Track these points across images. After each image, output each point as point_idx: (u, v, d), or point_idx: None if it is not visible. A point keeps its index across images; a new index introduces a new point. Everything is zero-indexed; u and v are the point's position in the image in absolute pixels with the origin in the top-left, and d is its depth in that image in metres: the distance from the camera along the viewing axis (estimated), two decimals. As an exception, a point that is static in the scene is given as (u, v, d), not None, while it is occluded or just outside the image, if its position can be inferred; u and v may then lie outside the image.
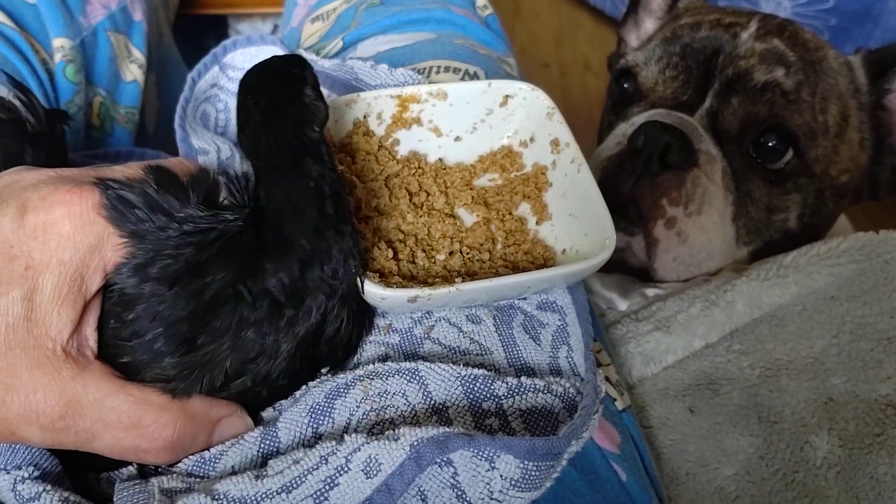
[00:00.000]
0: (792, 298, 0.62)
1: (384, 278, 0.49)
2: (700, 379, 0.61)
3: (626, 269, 0.74)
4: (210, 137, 0.61)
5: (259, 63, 0.47)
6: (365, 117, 0.56)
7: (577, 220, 0.53)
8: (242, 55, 0.66)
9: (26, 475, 0.42)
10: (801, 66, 0.71)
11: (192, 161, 0.47)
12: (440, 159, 0.58)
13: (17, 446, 0.43)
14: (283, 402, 0.48)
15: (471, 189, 0.56)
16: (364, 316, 0.48)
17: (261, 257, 0.43)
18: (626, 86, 0.79)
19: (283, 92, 0.45)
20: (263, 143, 0.44)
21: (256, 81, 0.46)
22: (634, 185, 0.69)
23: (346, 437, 0.40)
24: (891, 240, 0.62)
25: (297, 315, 0.44)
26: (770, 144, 0.70)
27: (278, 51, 0.64)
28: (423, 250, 0.52)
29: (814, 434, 0.56)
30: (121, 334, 0.42)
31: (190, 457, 0.45)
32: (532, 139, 0.58)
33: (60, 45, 0.73)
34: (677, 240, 0.68)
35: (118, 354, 0.42)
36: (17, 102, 0.55)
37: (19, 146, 0.53)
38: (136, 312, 0.42)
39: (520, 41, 1.93)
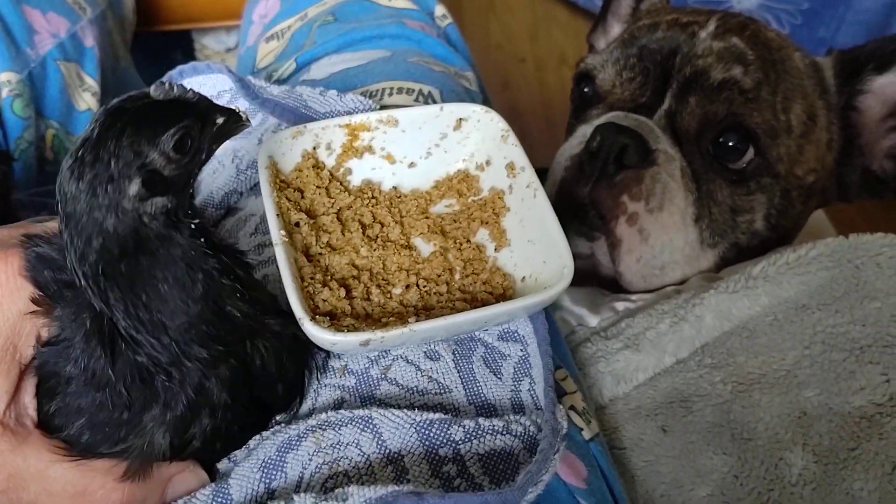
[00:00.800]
0: (762, 309, 0.60)
1: (336, 320, 0.47)
2: (672, 396, 0.59)
3: (597, 279, 0.73)
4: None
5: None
6: (314, 148, 0.55)
7: (536, 247, 0.51)
8: (190, 83, 0.63)
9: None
10: (760, 64, 0.69)
11: None
12: (395, 187, 0.57)
13: None
14: (237, 452, 0.46)
15: (427, 217, 0.55)
16: (301, 349, 0.46)
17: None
18: (585, 90, 0.78)
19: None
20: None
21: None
22: (593, 188, 0.68)
23: (296, 498, 0.39)
24: (861, 244, 0.61)
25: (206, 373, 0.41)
26: (730, 144, 0.69)
27: (227, 79, 0.62)
28: (378, 285, 0.51)
29: (788, 450, 0.55)
30: (51, 417, 0.41)
31: (141, 518, 0.43)
32: (488, 162, 0.56)
33: (6, 80, 0.71)
34: (639, 237, 0.67)
35: (58, 427, 0.41)
36: None
37: None
38: (64, 393, 0.40)
39: (494, 37, 1.91)
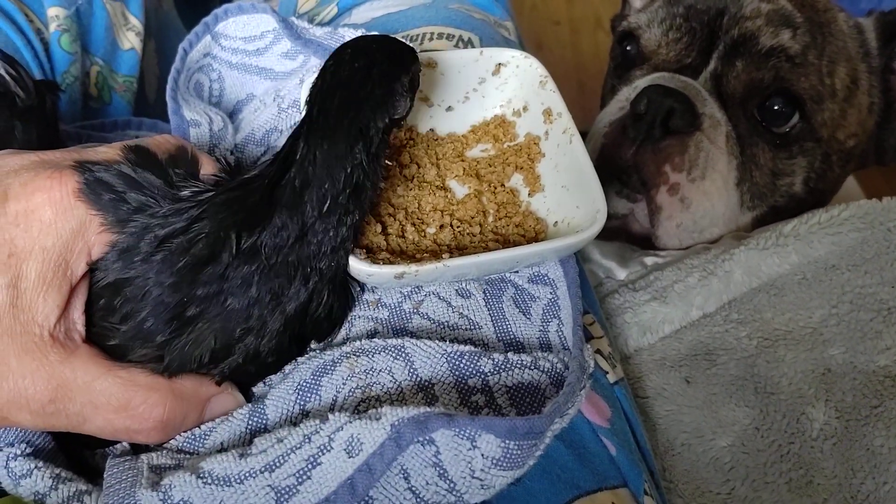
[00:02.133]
0: (791, 268, 0.61)
1: (372, 254, 0.48)
2: (697, 349, 0.60)
3: (628, 236, 0.73)
4: (203, 108, 0.61)
5: (379, 36, 0.47)
6: (355, 88, 0.55)
7: (570, 192, 0.52)
8: (235, 24, 0.65)
9: (18, 452, 0.42)
10: (808, 27, 0.69)
11: (173, 137, 0.47)
12: (431, 130, 0.57)
13: None
14: (272, 377, 0.48)
15: (462, 160, 0.56)
16: (346, 291, 0.48)
17: (271, 208, 0.43)
18: (628, 48, 0.78)
19: (381, 71, 0.44)
20: (333, 104, 0.43)
21: (367, 48, 0.45)
22: (637, 152, 0.68)
23: (330, 416, 0.40)
24: (893, 208, 0.61)
25: (285, 292, 0.43)
26: (776, 108, 0.69)
27: (270, 19, 0.63)
28: (413, 224, 0.51)
29: (810, 405, 0.56)
30: (109, 318, 0.42)
31: (181, 433, 0.45)
32: (525, 108, 0.57)
33: (55, 15, 0.72)
34: (681, 206, 0.67)
35: (106, 337, 0.43)
36: (5, 76, 0.55)
37: (8, 122, 0.53)
38: (124, 296, 0.42)
39: (530, -2, 1.90)
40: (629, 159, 0.68)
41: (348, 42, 0.46)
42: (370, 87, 0.44)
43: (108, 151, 0.43)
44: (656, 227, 0.69)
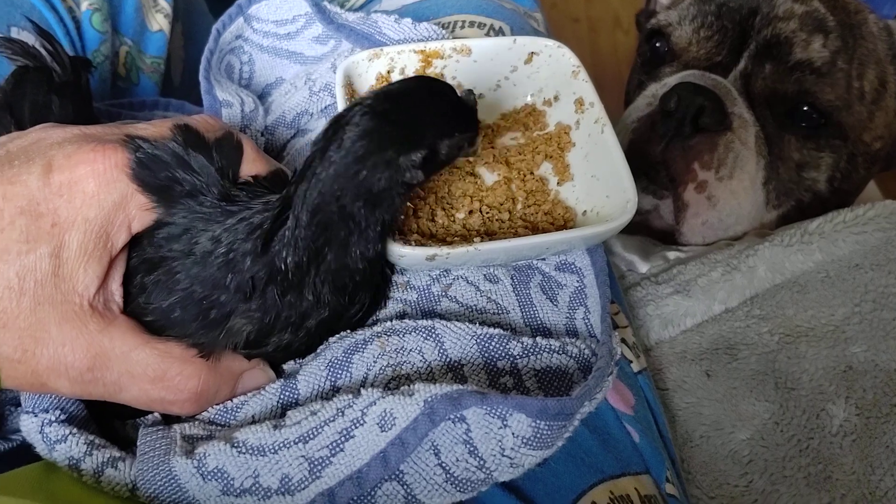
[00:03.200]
0: (815, 265, 0.61)
1: (402, 236, 0.49)
2: (718, 343, 0.60)
3: (649, 231, 0.74)
4: (234, 90, 0.61)
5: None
6: (388, 72, 0.56)
7: (600, 182, 0.52)
8: (267, 7, 0.65)
9: (53, 418, 0.43)
10: (840, 31, 0.69)
11: (215, 119, 0.47)
12: (463, 117, 0.58)
13: None
14: (303, 355, 0.48)
15: (492, 147, 0.56)
16: (382, 287, 0.48)
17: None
18: (657, 45, 0.78)
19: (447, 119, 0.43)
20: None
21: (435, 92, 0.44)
22: (665, 148, 0.68)
23: (363, 391, 0.41)
24: (919, 208, 0.61)
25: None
26: (804, 110, 0.69)
27: (303, 3, 0.63)
28: (443, 208, 0.52)
29: (831, 402, 0.56)
30: (141, 295, 0.43)
31: (213, 406, 0.46)
32: (556, 98, 0.57)
33: (87, -7, 0.73)
34: (707, 204, 0.68)
35: (142, 313, 0.43)
36: (42, 51, 0.55)
37: (46, 96, 0.53)
38: (158, 277, 0.42)
39: (550, -6, 1.90)
40: (658, 155, 0.68)
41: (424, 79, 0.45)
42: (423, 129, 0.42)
43: (155, 128, 0.44)
44: (681, 223, 0.69)
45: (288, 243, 0.41)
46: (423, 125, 0.42)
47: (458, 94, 0.44)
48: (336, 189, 0.40)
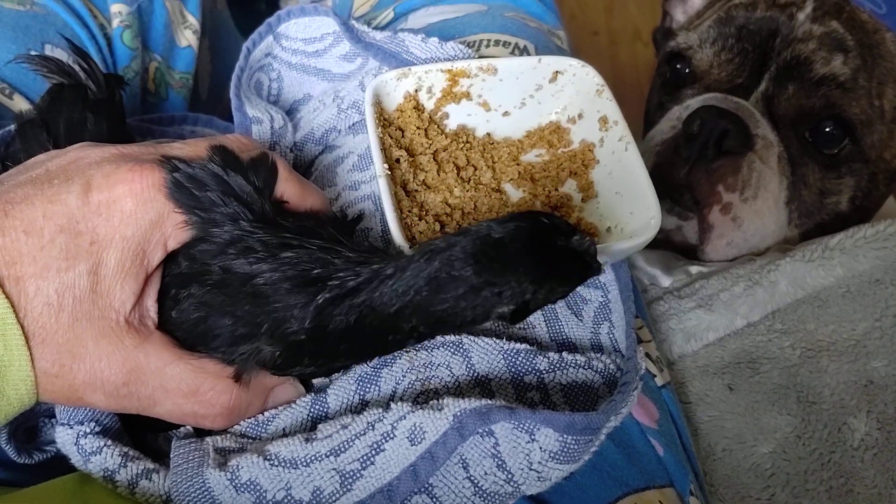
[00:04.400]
0: (836, 280, 0.62)
1: (430, 250, 0.50)
2: (740, 357, 0.61)
3: (671, 245, 0.74)
4: (264, 107, 0.63)
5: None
6: (416, 91, 0.57)
7: (623, 199, 0.53)
8: (296, 25, 0.66)
9: (88, 430, 0.44)
10: (859, 50, 0.70)
11: (248, 138, 0.48)
12: (488, 134, 0.59)
13: None
14: (333, 371, 0.49)
15: (517, 164, 0.57)
16: None
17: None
18: (678, 67, 0.79)
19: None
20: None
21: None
22: (689, 171, 0.69)
23: (393, 406, 0.42)
24: (940, 224, 0.62)
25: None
26: (827, 130, 0.70)
27: (332, 22, 0.65)
28: (469, 224, 0.53)
29: (852, 416, 0.57)
30: (174, 312, 0.44)
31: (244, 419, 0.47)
32: (580, 116, 0.58)
33: (118, 11, 0.75)
34: (732, 225, 0.69)
35: (175, 328, 0.44)
36: (77, 69, 0.57)
37: (81, 114, 0.54)
38: (190, 291, 0.43)
39: (568, 7, 1.91)
40: (682, 178, 0.69)
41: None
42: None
43: (191, 148, 0.45)
44: (706, 244, 0.70)
45: (346, 316, 0.41)
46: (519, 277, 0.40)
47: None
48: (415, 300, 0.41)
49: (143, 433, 0.49)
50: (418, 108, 0.57)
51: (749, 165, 0.68)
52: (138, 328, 0.42)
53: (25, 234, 0.40)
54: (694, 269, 0.69)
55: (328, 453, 0.41)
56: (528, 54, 0.65)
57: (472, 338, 0.46)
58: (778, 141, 0.70)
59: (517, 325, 0.49)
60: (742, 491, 0.56)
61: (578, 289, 0.52)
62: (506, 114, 0.59)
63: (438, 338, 0.47)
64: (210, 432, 0.47)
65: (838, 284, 0.62)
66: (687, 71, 0.78)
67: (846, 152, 0.70)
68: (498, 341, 0.46)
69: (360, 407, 0.45)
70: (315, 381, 0.49)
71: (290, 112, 0.68)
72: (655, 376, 0.54)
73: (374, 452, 0.41)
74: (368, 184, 0.56)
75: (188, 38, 0.84)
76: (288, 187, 0.47)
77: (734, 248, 0.70)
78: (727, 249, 0.70)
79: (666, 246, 0.74)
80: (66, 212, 0.40)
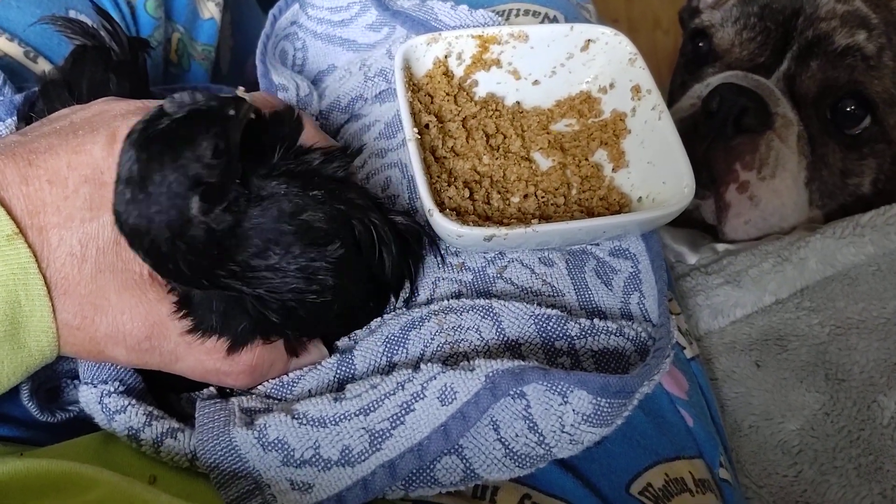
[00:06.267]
0: (867, 258, 0.61)
1: (460, 216, 0.49)
2: (768, 334, 0.60)
3: (693, 223, 0.74)
4: (289, 74, 0.62)
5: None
6: (446, 57, 0.56)
7: (656, 168, 0.52)
8: (321, -6, 0.66)
9: (112, 389, 0.44)
10: (883, 28, 0.69)
11: (273, 96, 0.48)
12: (517, 102, 0.58)
13: (104, 363, 0.44)
14: (358, 332, 0.49)
15: (547, 133, 0.56)
16: (407, 246, 0.48)
17: None
18: (700, 45, 0.78)
19: None
20: None
21: None
22: (708, 148, 0.68)
23: (422, 366, 0.41)
24: (974, 203, 0.61)
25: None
26: (848, 109, 0.69)
27: (359, -11, 0.64)
28: (498, 192, 0.52)
29: (882, 393, 0.56)
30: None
31: (268, 380, 0.46)
32: (612, 85, 0.57)
33: (142, -21, 0.74)
34: (749, 203, 0.68)
35: None
36: (101, 31, 0.56)
37: (104, 74, 0.54)
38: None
39: (588, -6, 1.90)
40: (700, 155, 0.68)
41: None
42: None
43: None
44: (723, 223, 0.69)
45: None
46: None
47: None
48: None
49: (166, 394, 0.49)
50: (448, 74, 0.56)
51: (767, 144, 0.67)
52: (161, 281, 0.42)
53: (49, 183, 0.39)
54: (721, 246, 0.68)
55: (357, 412, 0.40)
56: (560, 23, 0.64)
57: (502, 302, 0.46)
58: (798, 120, 0.69)
59: (546, 293, 0.49)
60: (769, 467, 0.56)
61: (608, 259, 0.52)
62: (536, 82, 0.58)
63: (467, 301, 0.46)
64: (233, 393, 0.47)
65: (868, 262, 0.61)
66: (709, 49, 0.77)
67: (868, 133, 0.69)
68: (529, 306, 0.46)
69: (388, 368, 0.45)
70: (340, 343, 0.49)
71: (315, 82, 0.67)
72: (685, 348, 0.53)
73: (404, 412, 0.40)
74: (395, 151, 0.56)
75: (211, 10, 0.83)
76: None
77: (753, 227, 0.69)
78: (746, 228, 0.69)
79: (689, 224, 0.74)
80: (91, 162, 0.40)
